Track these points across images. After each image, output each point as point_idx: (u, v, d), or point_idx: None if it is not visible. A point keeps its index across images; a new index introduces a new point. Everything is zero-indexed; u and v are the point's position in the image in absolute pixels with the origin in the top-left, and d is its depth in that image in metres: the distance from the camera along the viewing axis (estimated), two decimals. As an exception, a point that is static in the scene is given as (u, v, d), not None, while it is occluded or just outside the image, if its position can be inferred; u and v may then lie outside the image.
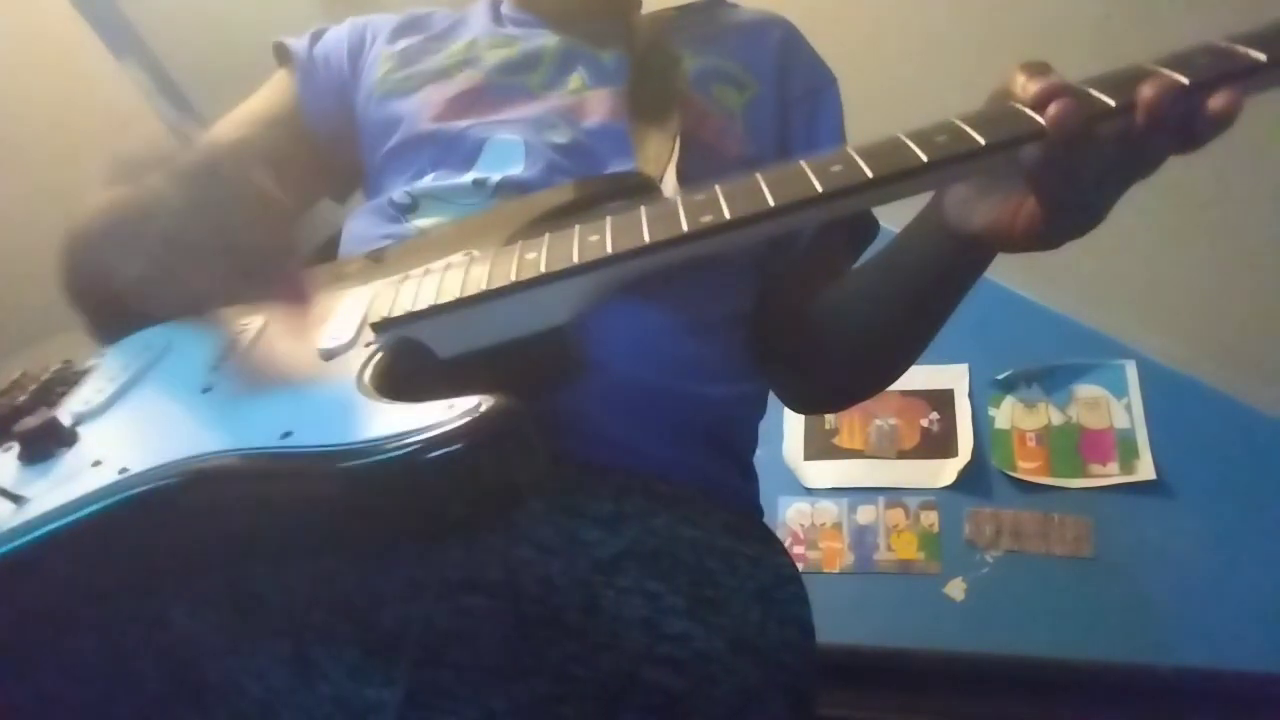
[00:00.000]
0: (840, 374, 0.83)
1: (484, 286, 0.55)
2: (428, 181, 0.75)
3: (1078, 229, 0.56)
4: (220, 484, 0.46)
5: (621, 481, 0.61)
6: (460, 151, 0.76)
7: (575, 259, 0.54)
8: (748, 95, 0.83)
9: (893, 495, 2.07)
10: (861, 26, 1.80)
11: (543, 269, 0.54)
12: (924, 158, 0.52)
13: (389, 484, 0.44)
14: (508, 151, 0.74)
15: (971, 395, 2.11)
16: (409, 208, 0.75)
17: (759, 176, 0.55)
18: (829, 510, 2.09)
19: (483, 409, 0.44)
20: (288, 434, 0.47)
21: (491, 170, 0.73)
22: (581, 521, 0.58)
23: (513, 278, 0.54)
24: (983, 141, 0.52)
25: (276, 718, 0.50)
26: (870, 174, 0.52)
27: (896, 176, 0.53)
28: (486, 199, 0.72)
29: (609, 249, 0.54)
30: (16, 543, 0.46)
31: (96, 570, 0.47)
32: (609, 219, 0.57)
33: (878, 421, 2.15)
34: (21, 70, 1.68)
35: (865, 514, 2.07)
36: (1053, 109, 0.51)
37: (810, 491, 2.12)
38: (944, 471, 2.06)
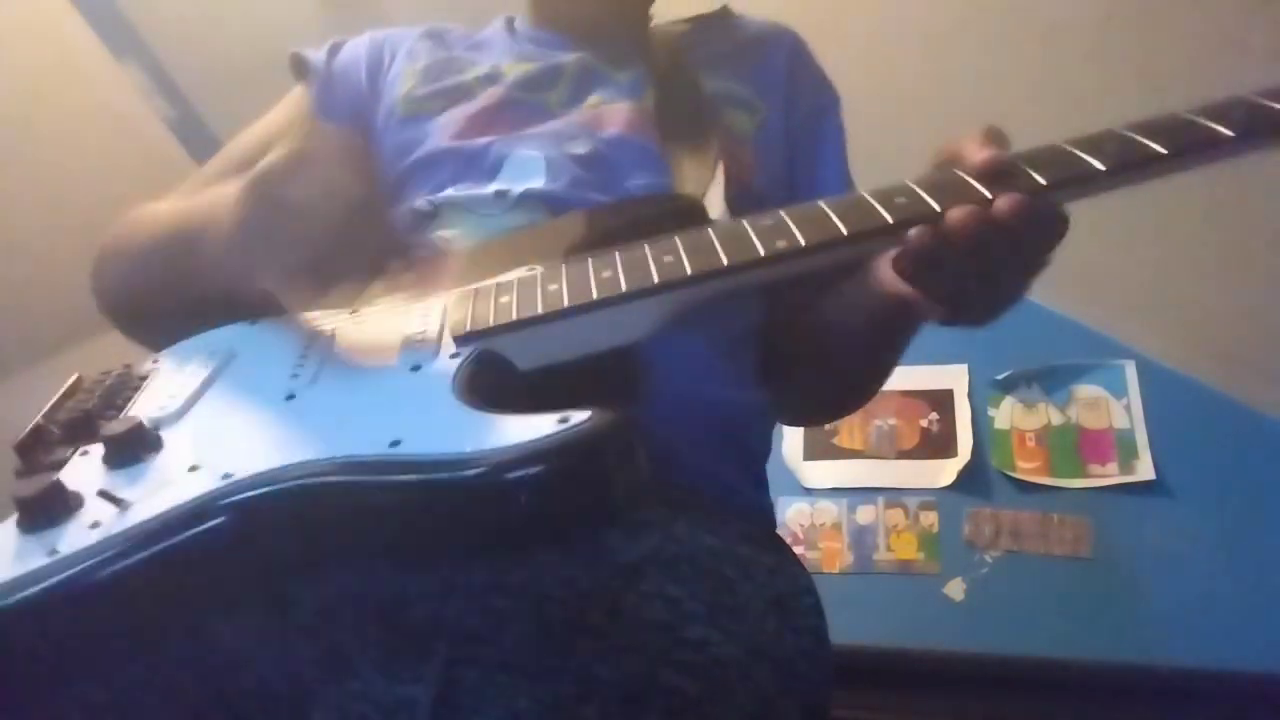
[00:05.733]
0: (818, 391, 0.86)
1: (565, 303, 0.56)
2: (449, 192, 0.76)
3: (981, 313, 0.59)
4: (334, 490, 0.46)
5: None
6: (481, 166, 0.76)
7: (655, 279, 0.55)
8: (758, 119, 0.84)
9: (892, 495, 2.07)
10: (862, 28, 1.80)
11: (623, 288, 0.55)
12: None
13: (507, 493, 0.44)
14: (528, 166, 0.75)
15: (971, 395, 2.11)
16: (430, 216, 0.75)
17: (823, 204, 0.57)
18: (829, 510, 2.09)
19: (600, 421, 0.45)
20: (396, 442, 0.47)
21: (513, 182, 0.74)
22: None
23: (594, 295, 0.55)
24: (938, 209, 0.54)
25: (307, 717, 0.50)
26: (937, 207, 0.54)
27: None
28: (508, 210, 0.73)
29: (687, 270, 0.55)
30: (149, 550, 0.45)
31: (205, 577, 0.46)
32: (678, 240, 0.58)
33: (877, 422, 2.14)
34: (21, 70, 1.68)
35: (865, 514, 2.07)
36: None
37: (810, 491, 2.11)
38: (943, 472, 2.06)
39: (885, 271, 0.62)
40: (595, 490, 0.45)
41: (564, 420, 0.45)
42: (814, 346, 0.81)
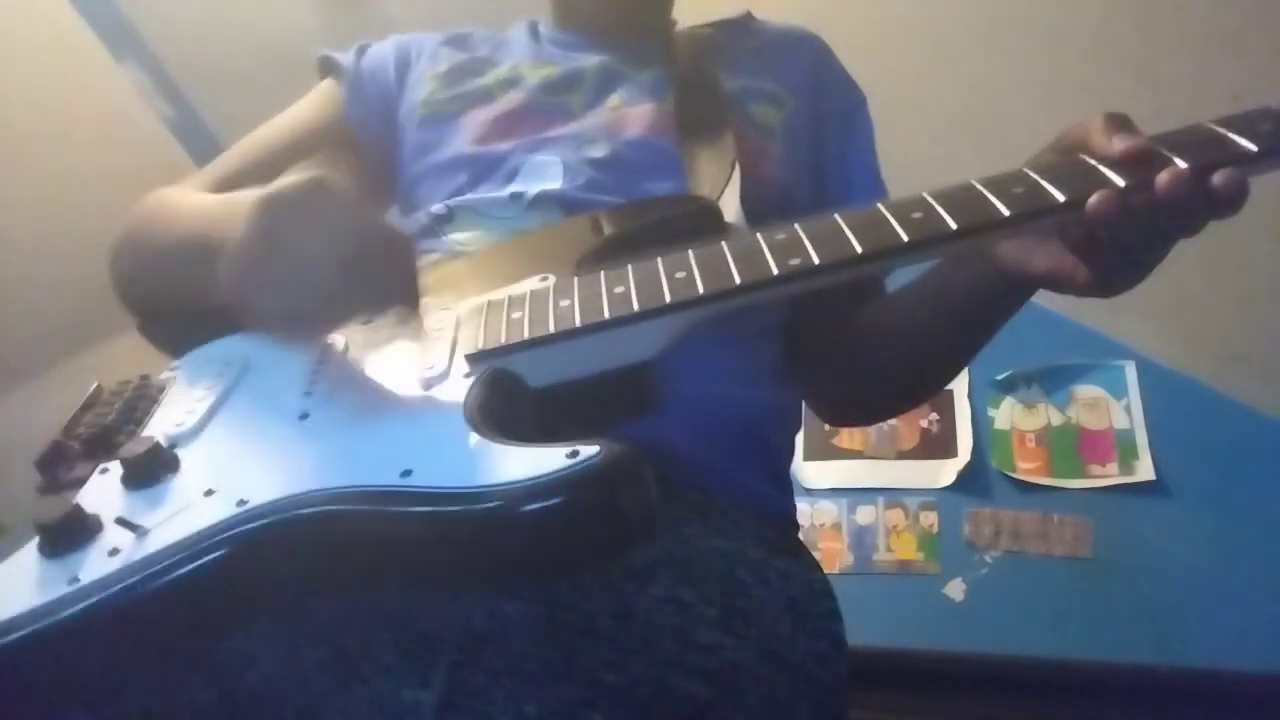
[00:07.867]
0: (879, 391, 0.85)
1: (577, 322, 0.55)
2: (465, 196, 0.76)
3: (1134, 280, 0.58)
4: (343, 521, 0.46)
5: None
6: (500, 172, 0.76)
7: (667, 298, 0.55)
8: (785, 111, 0.84)
9: (892, 496, 2.07)
10: (862, 29, 1.80)
11: (635, 307, 0.55)
12: (1005, 212, 0.53)
13: (518, 528, 0.44)
14: (545, 169, 0.75)
15: (971, 396, 2.11)
16: (445, 219, 0.75)
17: (839, 219, 0.56)
18: (828, 510, 2.09)
19: (609, 454, 0.44)
20: (408, 472, 0.47)
21: (529, 185, 0.73)
22: None
23: (606, 315, 0.55)
24: (1062, 199, 0.53)
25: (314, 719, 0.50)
26: (954, 226, 0.53)
27: (978, 229, 0.54)
28: (522, 212, 0.72)
29: (700, 289, 0.55)
30: (166, 579, 0.45)
31: (219, 601, 0.47)
32: (691, 254, 0.57)
33: (877, 422, 2.15)
34: (21, 71, 1.68)
35: (865, 514, 2.07)
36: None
37: (810, 492, 2.11)
38: (943, 472, 2.06)
39: (1010, 251, 0.62)
40: (607, 522, 0.45)
41: (573, 454, 0.44)
42: (880, 347, 0.79)
